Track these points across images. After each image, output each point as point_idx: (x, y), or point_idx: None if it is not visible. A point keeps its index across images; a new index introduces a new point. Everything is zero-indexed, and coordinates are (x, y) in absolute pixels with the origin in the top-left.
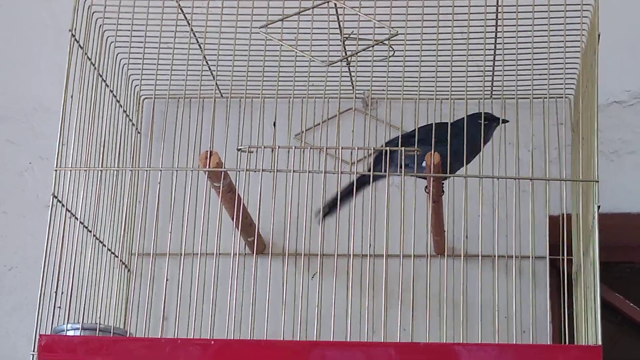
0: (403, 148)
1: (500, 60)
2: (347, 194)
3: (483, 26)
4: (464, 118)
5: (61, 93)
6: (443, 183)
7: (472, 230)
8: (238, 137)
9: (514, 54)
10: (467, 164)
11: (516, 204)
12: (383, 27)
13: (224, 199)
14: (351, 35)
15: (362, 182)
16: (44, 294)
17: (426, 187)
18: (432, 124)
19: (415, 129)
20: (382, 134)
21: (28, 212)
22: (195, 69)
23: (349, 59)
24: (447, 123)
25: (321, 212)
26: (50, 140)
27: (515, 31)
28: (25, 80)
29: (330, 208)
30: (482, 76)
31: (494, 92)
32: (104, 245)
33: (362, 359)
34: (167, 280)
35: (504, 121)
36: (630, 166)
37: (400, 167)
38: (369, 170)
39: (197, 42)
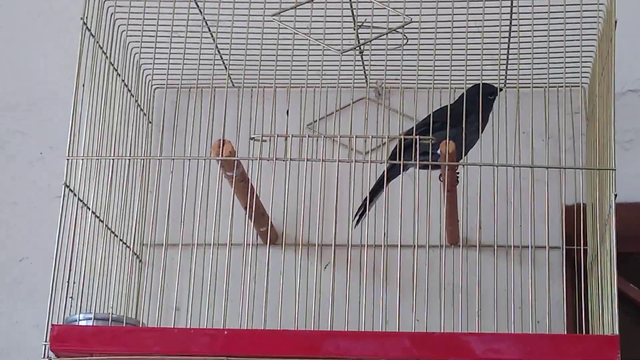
0: (418, 137)
1: (516, 48)
2: (378, 188)
3: (498, 14)
4: (463, 95)
5: (71, 82)
6: (458, 174)
7: (487, 220)
8: (250, 126)
9: (530, 42)
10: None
11: (531, 193)
12: (397, 15)
13: (236, 188)
14: (364, 23)
15: (392, 174)
16: (55, 283)
17: (440, 175)
18: (445, 107)
19: (428, 116)
20: (395, 123)
21: (39, 202)
22: (207, 58)
23: (362, 47)
24: (459, 104)
25: (357, 215)
26: (61, 130)
27: (530, 19)
28: (34, 69)
29: (364, 207)
30: (497, 64)
31: (508, 81)
32: (116, 235)
33: (376, 349)
34: (179, 270)
35: (501, 89)
36: None
37: (416, 157)
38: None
39: (210, 31)
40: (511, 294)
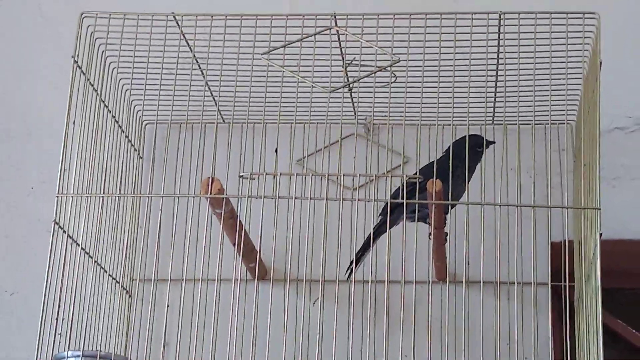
0: (405, 175)
1: (502, 86)
2: (366, 246)
3: (485, 52)
4: (452, 147)
5: (63, 117)
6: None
7: (474, 257)
8: (240, 162)
9: (516, 80)
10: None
11: (518, 230)
12: (385, 54)
13: (225, 225)
14: (353, 62)
15: (379, 232)
16: (44, 320)
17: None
18: (431, 163)
19: (414, 173)
20: (384, 159)
21: (30, 236)
22: (197, 94)
23: (351, 85)
24: (446, 159)
25: (349, 269)
26: (53, 164)
27: (517, 57)
28: (27, 103)
29: (356, 261)
30: (484, 102)
31: (495, 118)
32: (105, 270)
33: None
34: (168, 305)
35: (491, 142)
36: (633, 192)
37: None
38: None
39: (200, 68)
40: (499, 330)
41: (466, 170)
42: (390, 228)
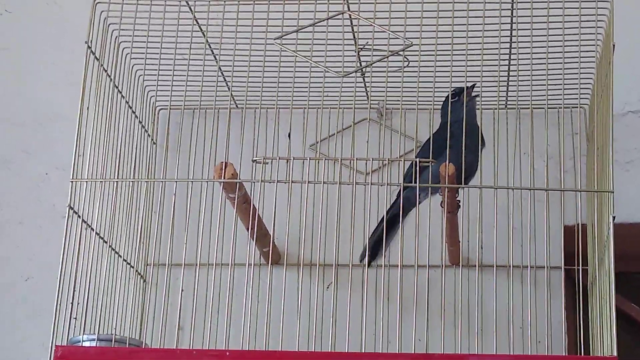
0: (418, 159)
1: (515, 70)
2: (380, 232)
3: (498, 36)
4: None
5: (77, 103)
6: (459, 200)
7: (487, 240)
8: (253, 147)
9: (529, 64)
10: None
11: (531, 213)
12: (398, 38)
13: (239, 209)
14: (366, 46)
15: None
16: (59, 304)
17: (442, 202)
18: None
19: (427, 141)
20: (397, 144)
21: (44, 222)
22: (210, 79)
23: (364, 69)
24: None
25: (367, 256)
26: (66, 150)
27: (530, 41)
28: (41, 89)
29: (373, 251)
30: (496, 86)
31: (508, 103)
32: (120, 255)
33: None
34: (182, 290)
35: (472, 86)
36: None
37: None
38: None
39: (212, 53)
40: (512, 314)
41: (463, 136)
42: (404, 213)
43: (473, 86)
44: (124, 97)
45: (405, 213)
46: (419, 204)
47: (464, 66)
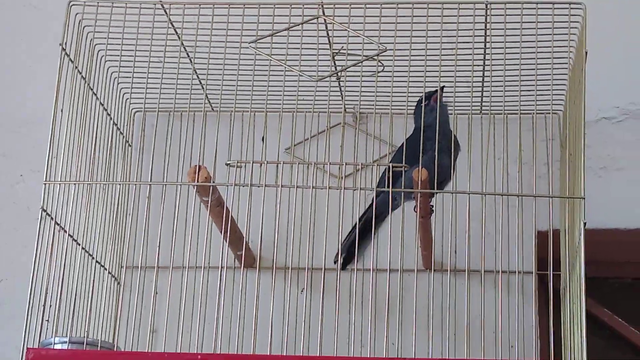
0: (390, 164)
1: (489, 76)
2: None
3: (471, 42)
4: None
5: (52, 105)
6: (432, 205)
7: (461, 245)
8: (228, 150)
9: (502, 69)
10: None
11: (504, 219)
12: (372, 43)
13: (212, 213)
14: (340, 51)
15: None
16: (32, 307)
17: (415, 207)
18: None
19: (401, 146)
20: (371, 148)
21: (19, 224)
22: (185, 82)
23: (339, 74)
24: (416, 135)
25: (339, 259)
26: (42, 152)
27: (503, 47)
28: (17, 92)
29: (348, 253)
30: (470, 92)
31: (483, 108)
32: (93, 258)
33: None
34: (156, 293)
35: (442, 88)
36: (618, 182)
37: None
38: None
39: (188, 55)
40: (484, 319)
41: (436, 140)
42: (379, 218)
43: (442, 88)
44: (98, 99)
45: (381, 218)
46: (395, 209)
47: (437, 71)
